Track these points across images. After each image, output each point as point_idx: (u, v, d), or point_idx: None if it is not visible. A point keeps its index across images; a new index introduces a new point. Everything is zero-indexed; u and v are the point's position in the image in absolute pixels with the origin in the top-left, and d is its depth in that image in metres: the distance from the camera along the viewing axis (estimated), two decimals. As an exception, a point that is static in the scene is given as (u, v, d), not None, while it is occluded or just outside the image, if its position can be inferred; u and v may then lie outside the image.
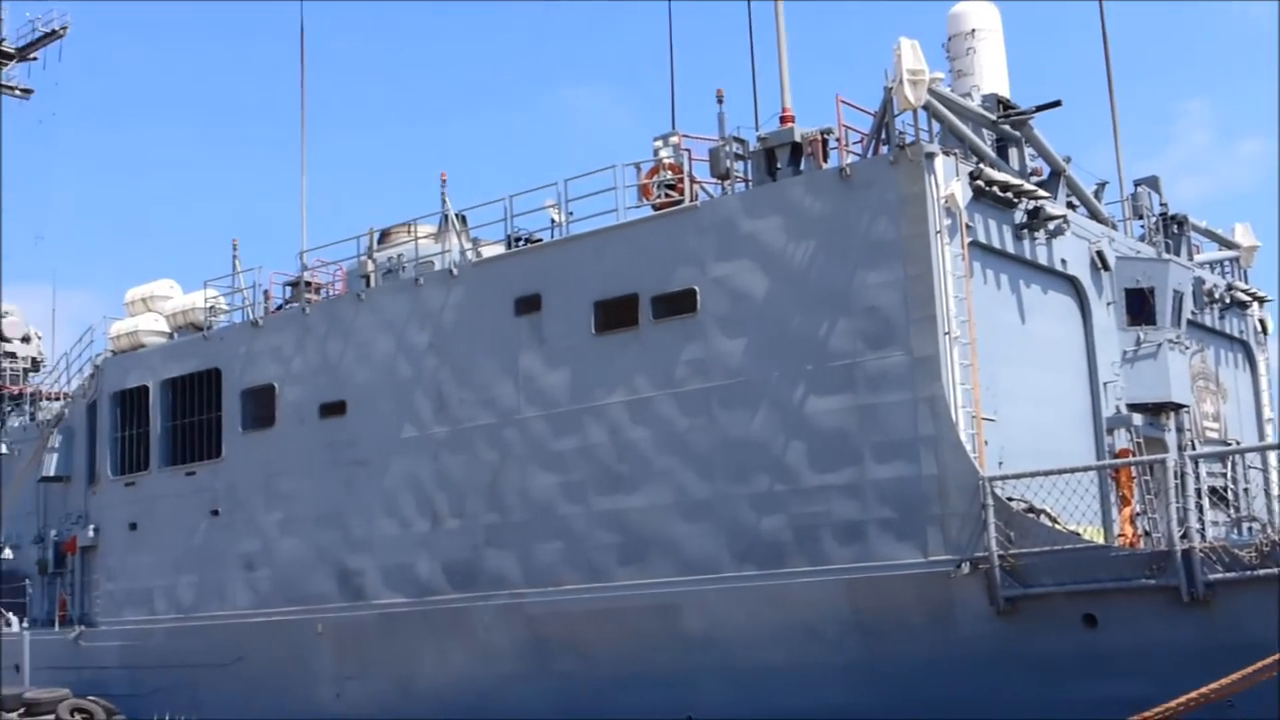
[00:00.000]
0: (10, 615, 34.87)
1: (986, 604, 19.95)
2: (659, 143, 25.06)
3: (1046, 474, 20.17)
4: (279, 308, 30.54)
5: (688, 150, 24.71)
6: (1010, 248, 23.09)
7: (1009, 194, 22.94)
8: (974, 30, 26.56)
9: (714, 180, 24.28)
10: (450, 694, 25.31)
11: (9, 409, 40.22)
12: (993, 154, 24.14)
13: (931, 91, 22.36)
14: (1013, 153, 25.24)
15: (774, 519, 21.91)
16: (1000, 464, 21.17)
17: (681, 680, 22.65)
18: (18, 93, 54.71)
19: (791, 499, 21.76)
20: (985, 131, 24.79)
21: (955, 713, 19.93)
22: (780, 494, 21.88)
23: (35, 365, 42.20)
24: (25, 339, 42.55)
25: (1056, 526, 19.95)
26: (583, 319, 24.40)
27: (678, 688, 22.66)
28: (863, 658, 21.02)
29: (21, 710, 29.30)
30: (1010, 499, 20.18)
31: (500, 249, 26.95)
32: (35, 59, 55.15)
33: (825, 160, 22.83)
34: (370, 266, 28.46)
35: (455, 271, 26.41)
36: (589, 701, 23.59)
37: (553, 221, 26.26)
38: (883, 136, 22.43)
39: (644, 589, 23.05)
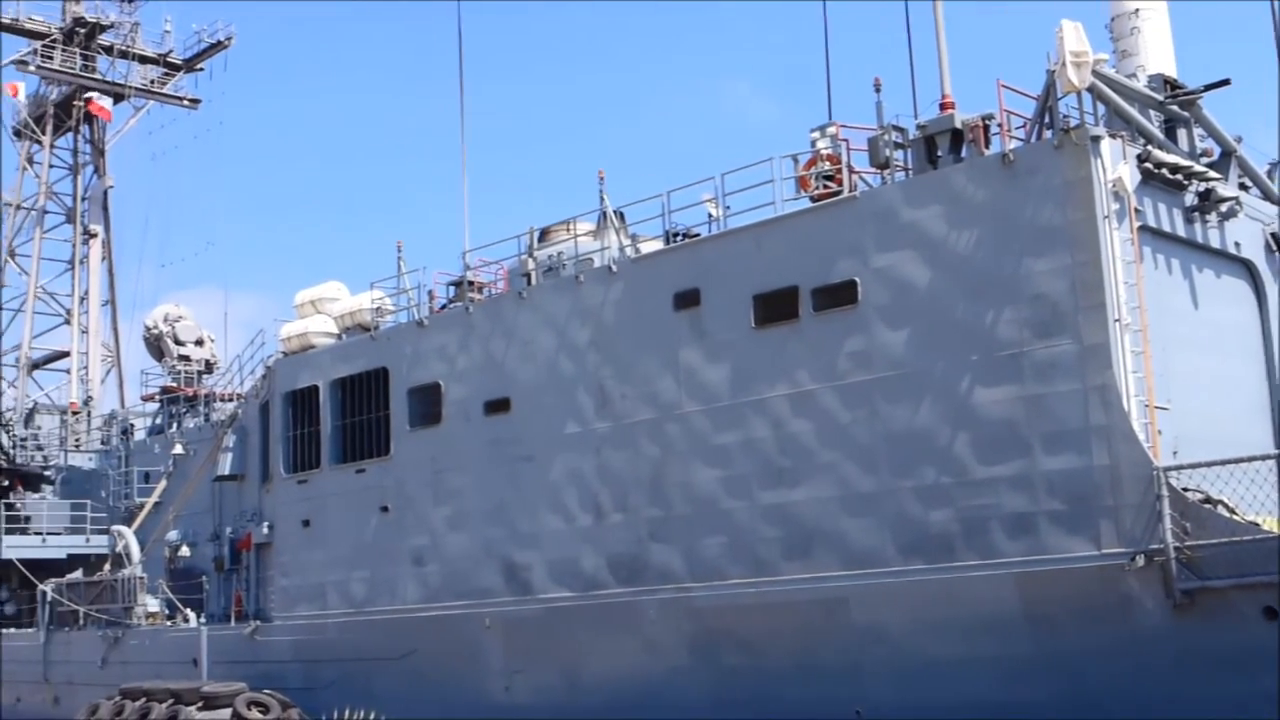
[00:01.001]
0: (188, 611, 35.90)
1: (1162, 597, 19.49)
2: (816, 134, 24.91)
3: (1224, 463, 19.61)
4: (443, 307, 30.99)
5: (845, 140, 24.52)
6: (1181, 231, 22.51)
7: (1178, 176, 22.36)
8: (1137, 10, 25.94)
9: (873, 170, 24.06)
10: (617, 687, 25.47)
11: (184, 410, 41.44)
12: (1161, 135, 23.56)
13: (1095, 73, 21.87)
14: (1181, 134, 24.61)
15: (941, 512, 21.66)
16: (1175, 453, 20.66)
17: (849, 675, 22.52)
18: (186, 103, 56.39)
19: (959, 491, 21.48)
20: (1152, 113, 24.20)
21: (1128, 708, 19.52)
22: (947, 486, 21.62)
23: (209, 368, 43.40)
24: (199, 342, 43.78)
25: (1235, 517, 19.40)
26: (742, 313, 24.36)
27: (845, 682, 22.53)
28: (1033, 652, 20.69)
29: (200, 704, 30.08)
30: (1186, 489, 19.66)
31: (659, 245, 27.03)
32: (202, 70, 56.81)
33: (987, 147, 22.47)
34: (531, 265, 28.73)
35: (614, 268, 26.54)
36: (755, 696, 23.58)
37: (710, 216, 26.26)
38: (1046, 121, 22.00)
39: (810, 583, 22.95)
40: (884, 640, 22.12)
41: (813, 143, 24.76)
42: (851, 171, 24.17)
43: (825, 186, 24.28)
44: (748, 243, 24.54)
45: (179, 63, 56.10)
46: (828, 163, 24.44)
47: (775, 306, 23.98)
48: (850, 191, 23.78)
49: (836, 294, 23.19)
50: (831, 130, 24.70)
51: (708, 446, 24.65)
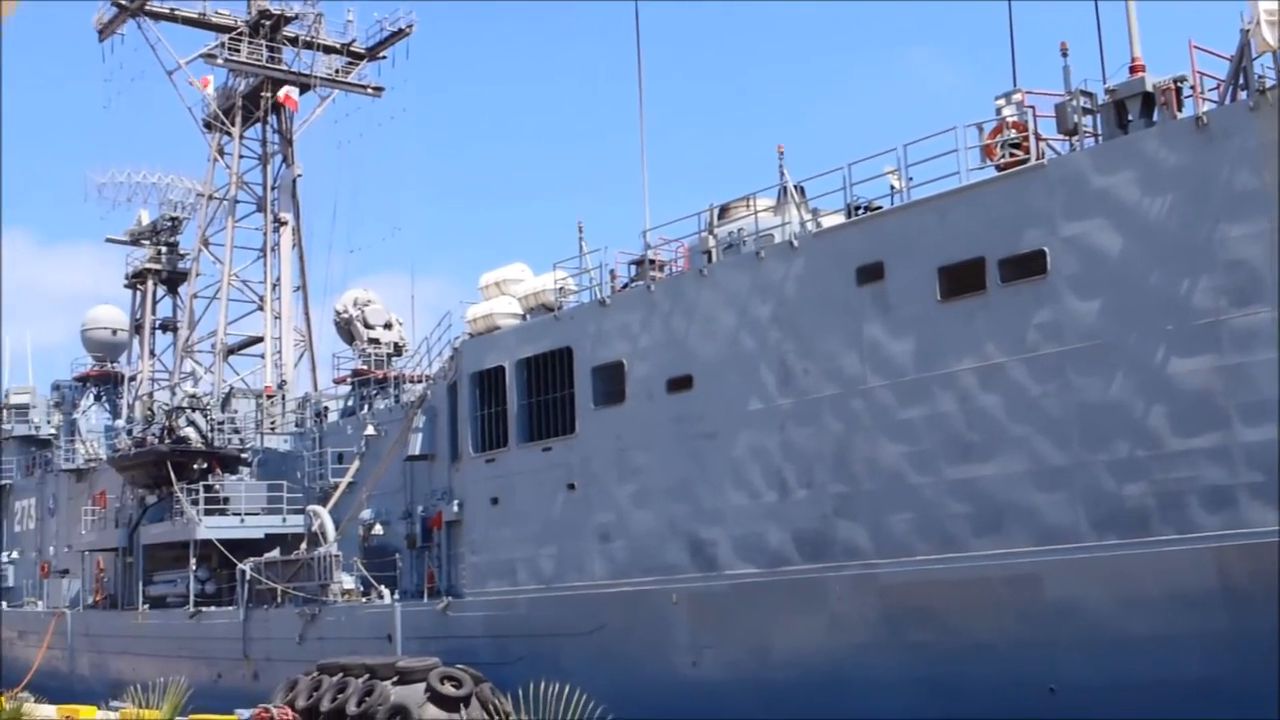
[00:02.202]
0: (382, 588, 36.75)
1: (1369, 572, 18.83)
2: (1001, 101, 24.44)
3: None
4: (625, 286, 31.19)
5: (1032, 107, 24.04)
6: (1387, 192, 21.63)
7: (1384, 135, 21.47)
8: (1338, -38, 24.92)
9: (1061, 137, 23.56)
10: (805, 663, 25.45)
11: (375, 392, 42.37)
12: (1365, 93, 22.63)
13: (1293, 31, 21.09)
14: (1387, 90, 23.60)
15: (1135, 486, 21.18)
16: (1383, 423, 19.90)
17: (1041, 651, 22.19)
18: (369, 91, 57.52)
19: (1154, 465, 20.97)
20: (1355, 70, 23.25)
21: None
22: (1141, 460, 21.12)
23: (398, 350, 44.30)
24: (387, 325, 44.70)
25: None
26: (927, 286, 24.07)
27: (1037, 658, 22.21)
28: (1231, 628, 20.13)
29: (395, 678, 30.76)
30: (1396, 460, 18.95)
31: (840, 218, 26.84)
32: (384, 58, 57.89)
33: (1179, 110, 21.84)
34: (711, 242, 28.76)
35: (795, 243, 26.44)
36: (945, 672, 23.37)
37: (893, 188, 25.98)
38: (1240, 82, 21.29)
39: (1001, 559, 22.64)
40: (1077, 616, 21.73)
41: (998, 110, 24.32)
42: (1039, 139, 23.70)
43: (1011, 155, 23.85)
44: (932, 214, 24.24)
45: (362, 51, 57.24)
46: (1014, 130, 23.99)
47: (961, 278, 23.65)
48: (1038, 159, 23.33)
49: (1025, 264, 22.79)
50: (1017, 97, 24.23)
51: (893, 421, 24.44)
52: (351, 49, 57.18)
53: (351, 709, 30.59)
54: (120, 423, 53.21)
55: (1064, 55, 23.19)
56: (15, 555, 59.10)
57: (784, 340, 26.40)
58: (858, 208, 26.64)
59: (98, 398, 60.50)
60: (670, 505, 28.22)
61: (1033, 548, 22.27)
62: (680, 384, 28.39)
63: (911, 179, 25.07)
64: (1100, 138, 22.83)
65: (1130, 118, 22.31)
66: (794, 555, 25.76)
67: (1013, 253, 22.92)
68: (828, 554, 25.21)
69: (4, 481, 61.07)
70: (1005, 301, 22.94)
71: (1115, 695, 21.11)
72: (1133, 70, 22.45)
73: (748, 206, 28.97)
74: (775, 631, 26.02)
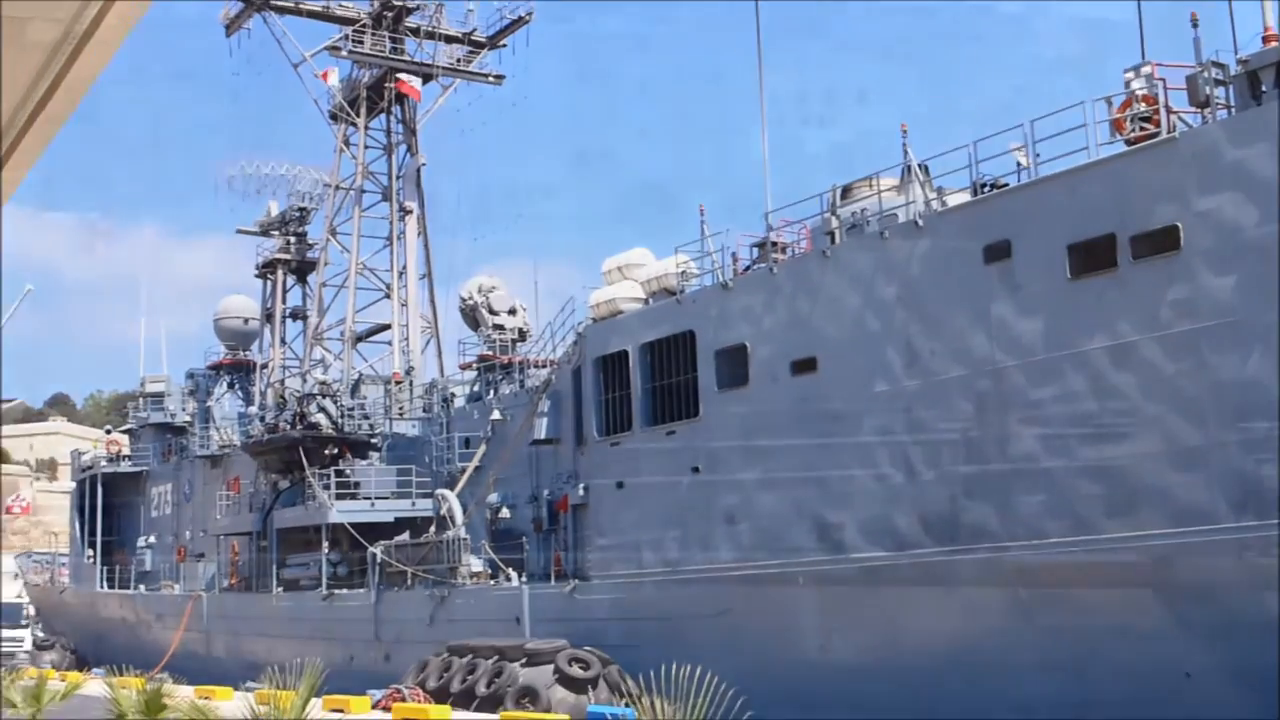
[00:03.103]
0: (510, 570, 37.09)
1: None
2: (1130, 74, 23.97)
3: None
4: (747, 269, 31.11)
5: (1162, 80, 23.54)
6: None
7: None
8: None
9: (1192, 109, 23.04)
10: (935, 647, 25.23)
11: (500, 378, 42.74)
12: None
13: None
14: None
15: (1273, 466, 20.67)
16: None
17: (1176, 635, 21.78)
18: (491, 79, 57.91)
19: (1293, 443, 20.47)
20: None
21: None
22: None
23: (522, 335, 44.62)
24: (511, 311, 45.04)
25: None
26: (1057, 263, 23.70)
27: (1171, 642, 21.80)
28: (1380, 611, 19.63)
29: (523, 660, 31.04)
30: None
31: (965, 197, 26.51)
32: (505, 46, 58.22)
33: (1317, 80, 21.25)
34: (834, 223, 28.57)
35: (920, 223, 26.17)
36: (1077, 655, 23.03)
37: (1019, 165, 25.60)
38: (1382, 49, 20.68)
39: (1135, 541, 22.24)
40: (1213, 600, 21.29)
41: (1127, 83, 23.85)
42: (1170, 112, 23.20)
43: (1142, 129, 23.38)
44: (1061, 191, 23.85)
45: (483, 40, 57.64)
46: (1143, 104, 23.51)
47: (1091, 256, 23.24)
48: (1169, 133, 22.84)
49: (1157, 240, 22.33)
50: (1146, 70, 23.74)
51: (1023, 402, 24.12)
52: (473, 38, 57.60)
53: (481, 690, 30.93)
54: (253, 410, 54.27)
55: (1194, 25, 22.68)
56: (152, 540, 60.54)
57: (910, 321, 26.16)
58: (984, 185, 26.29)
59: (231, 385, 61.75)
60: (795, 487, 28.12)
61: (1167, 529, 21.85)
62: (804, 366, 28.25)
63: (1039, 155, 24.68)
64: (1233, 109, 22.29)
65: (1264, 88, 21.75)
66: (922, 538, 25.54)
67: (1144, 229, 22.47)
68: (956, 537, 24.95)
69: (141, 468, 62.57)
70: (1137, 278, 22.51)
71: (1252, 681, 20.66)
72: (1265, 40, 21.89)
73: (871, 186, 28.74)
74: (904, 615, 25.83)
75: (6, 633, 58.88)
